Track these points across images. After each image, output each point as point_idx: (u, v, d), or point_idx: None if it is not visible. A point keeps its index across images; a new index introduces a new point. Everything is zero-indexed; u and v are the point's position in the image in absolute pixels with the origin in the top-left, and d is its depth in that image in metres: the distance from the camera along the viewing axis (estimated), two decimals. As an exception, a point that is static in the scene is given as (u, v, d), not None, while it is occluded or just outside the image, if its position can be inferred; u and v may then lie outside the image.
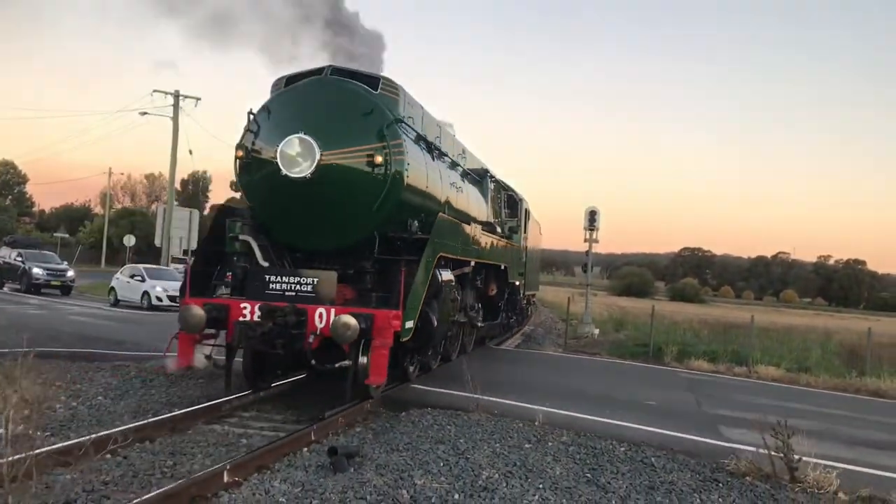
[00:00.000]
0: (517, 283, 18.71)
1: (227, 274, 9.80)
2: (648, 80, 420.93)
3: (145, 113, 36.12)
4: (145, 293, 25.07)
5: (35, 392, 4.63)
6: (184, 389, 9.86)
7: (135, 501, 5.02)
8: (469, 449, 7.52)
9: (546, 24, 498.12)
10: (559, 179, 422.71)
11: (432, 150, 11.63)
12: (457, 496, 6.00)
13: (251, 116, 9.87)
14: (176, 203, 37.81)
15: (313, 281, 9.10)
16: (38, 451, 4.42)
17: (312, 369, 9.74)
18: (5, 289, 30.19)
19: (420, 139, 11.02)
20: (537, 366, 16.04)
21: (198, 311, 8.68)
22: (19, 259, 30.13)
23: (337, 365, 8.78)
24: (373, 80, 10.22)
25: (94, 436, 6.30)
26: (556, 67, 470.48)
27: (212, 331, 9.16)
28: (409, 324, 9.01)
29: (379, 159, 9.34)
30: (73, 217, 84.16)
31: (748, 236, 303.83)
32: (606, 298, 61.65)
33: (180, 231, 34.32)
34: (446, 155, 12.73)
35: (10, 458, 4.22)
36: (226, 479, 5.91)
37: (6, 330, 13.95)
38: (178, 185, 63.25)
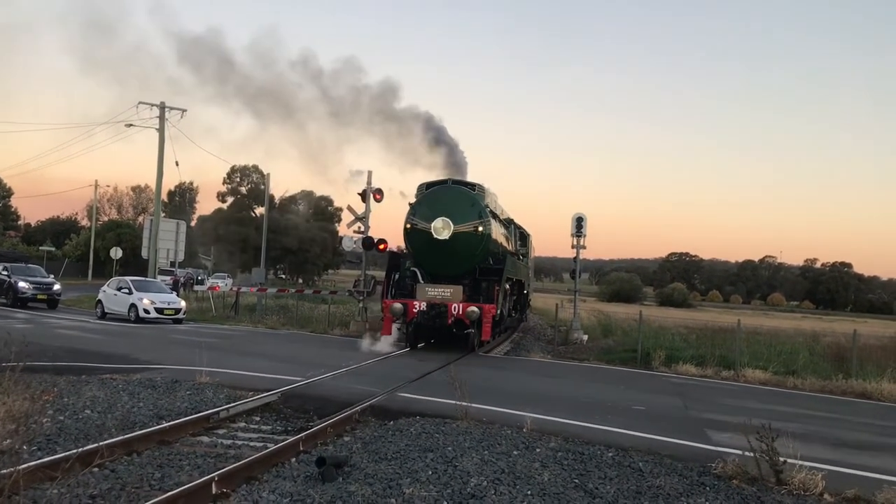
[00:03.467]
0: (525, 291, 28.76)
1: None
2: (633, 85, 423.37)
3: (131, 125, 35.97)
4: (132, 306, 24.92)
5: (21, 406, 4.62)
6: (171, 402, 9.83)
7: (122, 514, 5.01)
8: (457, 457, 7.54)
9: (530, 31, 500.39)
10: (545, 187, 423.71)
11: (496, 217, 20.58)
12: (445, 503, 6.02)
13: (411, 205, 19.16)
14: (163, 215, 37.66)
15: (450, 290, 18.31)
16: (24, 465, 4.40)
17: (451, 334, 18.89)
18: (-9, 303, 29.97)
19: (492, 213, 19.77)
20: (526, 372, 16.09)
21: (399, 305, 18.14)
22: (5, 273, 29.89)
23: (465, 332, 18.36)
24: (472, 185, 19.73)
25: (80, 449, 6.27)
26: (541, 74, 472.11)
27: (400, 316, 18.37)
28: (498, 312, 18.53)
29: (480, 229, 18.53)
30: (60, 230, 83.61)
31: (735, 240, 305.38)
32: (595, 304, 61.76)
33: (167, 243, 34.19)
34: (499, 217, 21.35)
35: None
36: (214, 490, 5.90)
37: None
38: (164, 197, 63.08)
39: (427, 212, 18.62)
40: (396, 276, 19.65)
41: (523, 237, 27.80)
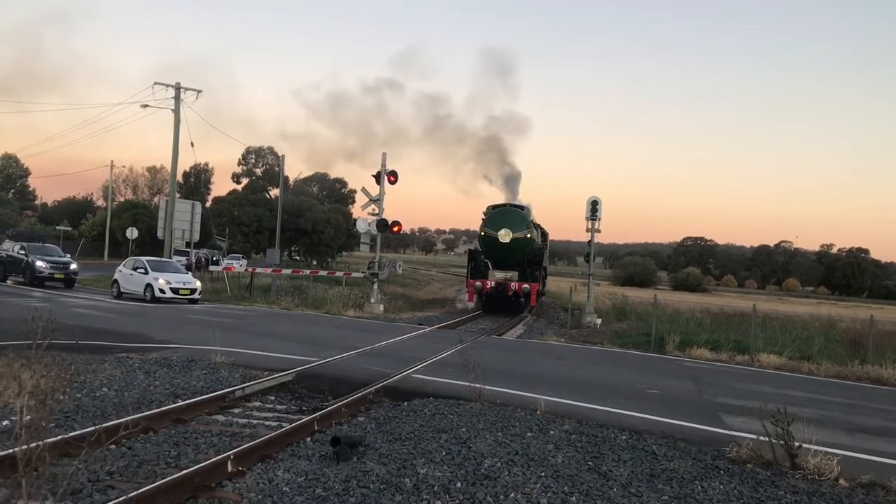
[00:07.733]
0: (545, 274, 38.72)
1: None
2: (650, 70, 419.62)
3: (146, 105, 36.10)
4: (148, 285, 25.09)
5: (42, 384, 4.67)
6: (187, 381, 9.91)
7: (139, 491, 5.06)
8: (471, 438, 7.56)
9: (552, 17, 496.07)
10: (561, 170, 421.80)
11: (535, 225, 33.37)
12: (459, 484, 6.03)
13: (483, 220, 32.20)
14: (178, 195, 37.80)
15: (510, 274, 30.69)
16: (48, 440, 4.48)
17: (511, 302, 31.09)
18: (9, 282, 30.26)
19: (533, 223, 32.66)
20: (539, 355, 16.09)
21: (479, 284, 30.40)
22: (22, 252, 30.17)
23: (521, 299, 30.95)
24: (521, 207, 33.68)
25: (99, 426, 6.33)
26: (559, 60, 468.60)
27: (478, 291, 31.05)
28: (540, 288, 32.62)
29: (528, 235, 30.94)
30: (76, 210, 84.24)
31: (751, 225, 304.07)
32: (609, 288, 61.62)
33: (183, 223, 34.37)
34: (533, 223, 32.86)
35: (23, 447, 4.26)
36: (230, 468, 5.95)
37: (11, 322, 13.98)
38: (179, 178, 63.22)
39: (494, 224, 30.49)
40: (472, 265, 31.56)
41: (544, 235, 39.44)
